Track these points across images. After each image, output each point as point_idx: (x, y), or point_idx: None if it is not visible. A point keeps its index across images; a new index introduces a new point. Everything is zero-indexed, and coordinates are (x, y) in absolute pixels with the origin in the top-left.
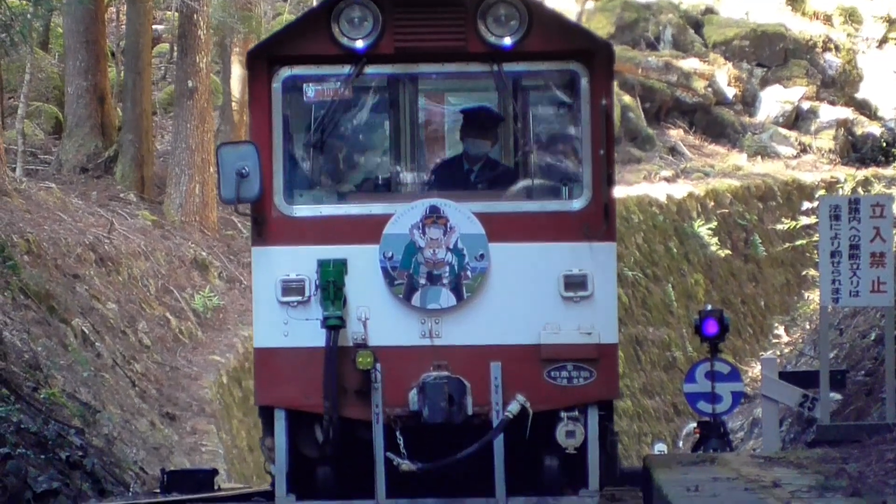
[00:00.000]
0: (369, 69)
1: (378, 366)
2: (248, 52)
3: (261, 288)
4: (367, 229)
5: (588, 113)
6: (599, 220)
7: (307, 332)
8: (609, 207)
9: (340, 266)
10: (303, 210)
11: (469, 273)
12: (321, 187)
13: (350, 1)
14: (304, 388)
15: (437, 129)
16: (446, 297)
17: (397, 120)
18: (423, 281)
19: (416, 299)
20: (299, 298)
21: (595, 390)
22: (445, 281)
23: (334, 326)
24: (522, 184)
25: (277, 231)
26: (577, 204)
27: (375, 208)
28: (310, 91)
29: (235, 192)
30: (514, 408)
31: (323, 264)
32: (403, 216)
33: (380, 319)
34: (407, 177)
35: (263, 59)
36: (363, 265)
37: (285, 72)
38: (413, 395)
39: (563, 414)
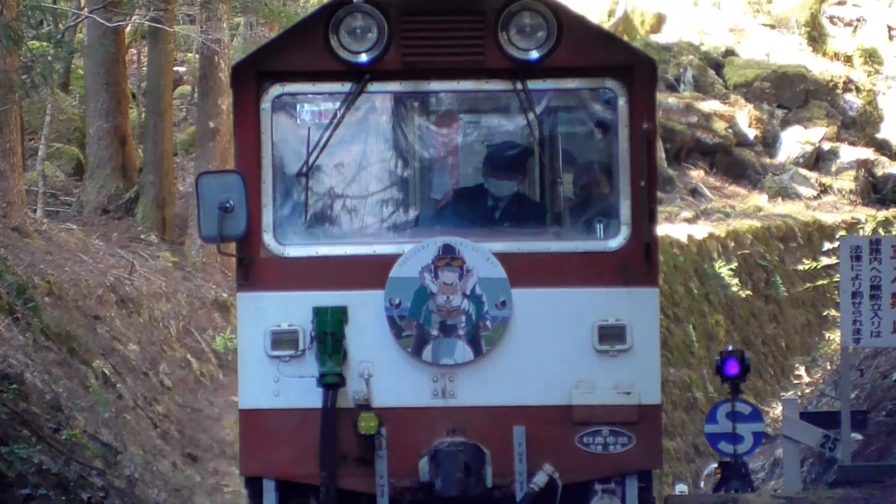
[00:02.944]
0: (373, 86)
1: (383, 430)
2: (233, 68)
3: (247, 340)
4: (371, 272)
5: (627, 138)
6: (640, 262)
7: (301, 390)
8: (651, 247)
9: (339, 315)
10: (296, 250)
11: (489, 323)
12: (317, 224)
13: (351, 8)
14: (298, 455)
15: (451, 156)
16: (462, 351)
17: (405, 145)
18: (435, 332)
19: (427, 353)
20: (292, 352)
21: (635, 459)
22: (461, 332)
23: (332, 384)
24: (550, 220)
25: (266, 274)
26: (613, 243)
27: (380, 248)
28: (304, 112)
29: (218, 230)
30: (540, 479)
31: (319, 313)
32: (412, 257)
33: (385, 376)
34: (416, 211)
35: (251, 76)
36: (366, 314)
37: (276, 89)
38: (424, 464)
39: (597, 486)
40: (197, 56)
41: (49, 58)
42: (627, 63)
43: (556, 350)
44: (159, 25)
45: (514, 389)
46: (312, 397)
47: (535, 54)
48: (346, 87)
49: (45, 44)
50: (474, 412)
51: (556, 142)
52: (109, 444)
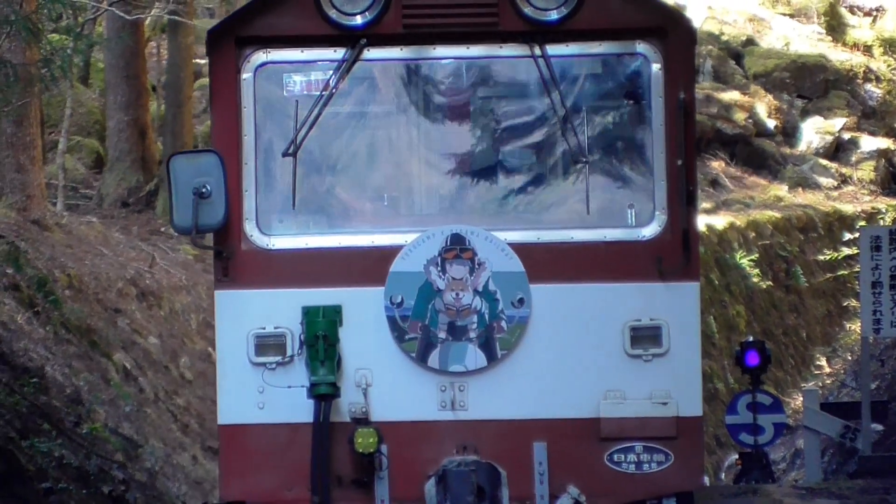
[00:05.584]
0: (370, 53)
1: (383, 448)
2: (209, 32)
3: (227, 345)
4: (369, 266)
5: (661, 110)
6: (677, 253)
7: (289, 402)
8: (690, 235)
9: (333, 315)
10: (282, 241)
11: (504, 324)
12: (307, 211)
13: None
14: (286, 476)
15: (459, 132)
16: (474, 357)
17: (407, 121)
18: (442, 335)
19: (433, 359)
20: (279, 359)
21: (672, 478)
22: (472, 335)
23: (325, 395)
24: (574, 205)
25: (249, 269)
26: (647, 231)
27: (379, 239)
28: (292, 82)
29: (193, 219)
30: (565, 502)
31: (310, 313)
32: (416, 249)
33: (385, 386)
34: (420, 196)
35: (230, 41)
36: (363, 314)
37: (259, 57)
38: (430, 486)
39: None
40: None
41: (69, 51)
42: (662, 24)
43: (582, 355)
44: (179, 18)
45: (533, 400)
46: (302, 410)
47: (555, 15)
48: (340, 53)
49: (64, 37)
50: (488, 426)
51: (580, 115)
52: (130, 438)
